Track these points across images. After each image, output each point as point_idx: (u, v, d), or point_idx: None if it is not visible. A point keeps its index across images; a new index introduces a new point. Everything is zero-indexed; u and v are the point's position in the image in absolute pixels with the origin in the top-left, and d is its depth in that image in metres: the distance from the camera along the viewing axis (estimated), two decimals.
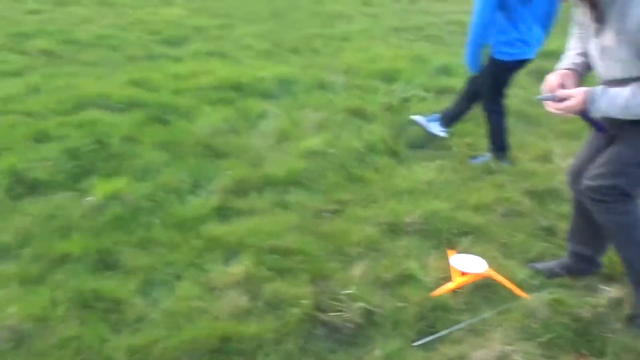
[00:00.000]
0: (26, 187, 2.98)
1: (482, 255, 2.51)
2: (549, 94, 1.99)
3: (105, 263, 2.50)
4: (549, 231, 2.87)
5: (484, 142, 3.68)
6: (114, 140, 3.44)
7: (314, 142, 3.66)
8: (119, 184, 2.99)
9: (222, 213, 2.92)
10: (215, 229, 2.74)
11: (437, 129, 3.85)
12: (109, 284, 2.33)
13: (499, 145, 3.58)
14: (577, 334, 2.10)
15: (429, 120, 3.90)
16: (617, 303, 2.22)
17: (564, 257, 2.51)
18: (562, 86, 2.03)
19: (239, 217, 2.89)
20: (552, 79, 2.06)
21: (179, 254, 2.56)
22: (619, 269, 2.38)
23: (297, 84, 4.79)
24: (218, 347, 2.01)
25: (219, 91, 4.49)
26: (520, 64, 3.39)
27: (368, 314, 2.17)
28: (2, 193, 2.89)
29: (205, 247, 2.60)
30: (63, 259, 2.49)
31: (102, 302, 2.23)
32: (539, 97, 2.04)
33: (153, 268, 2.46)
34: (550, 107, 1.99)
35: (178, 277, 2.42)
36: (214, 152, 3.52)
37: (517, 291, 2.32)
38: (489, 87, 3.52)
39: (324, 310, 2.18)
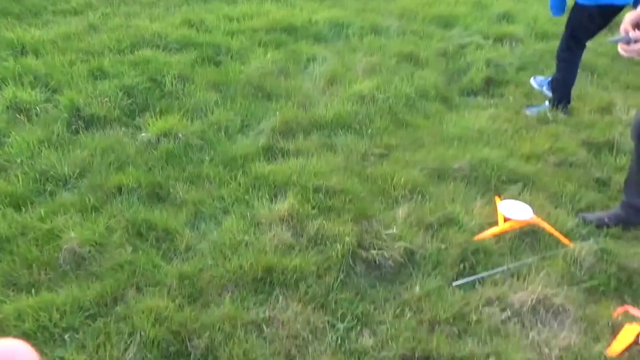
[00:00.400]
0: (84, 121, 3.11)
1: (530, 203, 2.46)
2: (623, 35, 1.87)
3: (158, 196, 2.61)
4: (602, 183, 2.78)
5: None
6: (168, 79, 3.52)
7: (364, 86, 3.62)
8: (171, 121, 3.08)
9: (270, 152, 2.97)
10: (262, 167, 2.79)
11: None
12: (160, 215, 2.44)
13: (562, 96, 3.40)
14: (622, 283, 2.06)
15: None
16: None
17: (615, 208, 2.43)
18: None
19: (286, 157, 2.93)
20: (628, 19, 1.92)
21: (227, 190, 2.64)
22: None
23: (350, 28, 4.69)
24: (262, 277, 2.09)
25: (272, 33, 4.47)
26: (604, 11, 3.09)
27: (409, 254, 2.19)
28: (62, 127, 3.03)
29: (252, 184, 2.67)
30: (118, 191, 2.61)
31: (154, 231, 2.35)
32: (612, 39, 1.92)
33: (202, 202, 2.55)
34: (622, 49, 1.87)
35: (225, 212, 2.50)
36: (263, 93, 3.55)
37: (563, 239, 2.28)
38: (569, 34, 3.27)
39: (365, 248, 2.22)
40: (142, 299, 1.95)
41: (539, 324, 1.90)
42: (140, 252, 2.22)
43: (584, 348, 1.78)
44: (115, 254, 2.20)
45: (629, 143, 2.38)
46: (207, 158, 2.88)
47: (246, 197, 2.58)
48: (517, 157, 2.95)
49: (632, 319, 1.87)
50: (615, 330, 1.84)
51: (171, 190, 2.63)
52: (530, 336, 1.84)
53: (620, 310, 1.92)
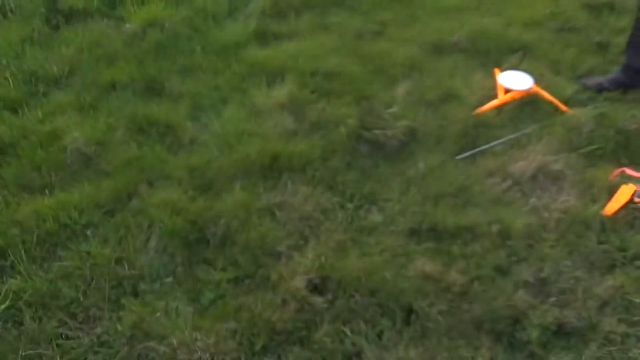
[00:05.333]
0: (63, 15, 2.96)
1: (530, 71, 2.44)
2: None
3: (153, 89, 2.56)
4: (602, 46, 2.74)
5: None
6: None
7: None
8: (154, 9, 2.94)
9: (262, 37, 2.88)
10: (256, 53, 2.72)
11: None
12: (159, 110, 2.41)
13: None
14: (620, 145, 2.12)
15: None
16: None
17: (615, 72, 2.43)
18: None
19: (279, 41, 2.84)
20: None
21: (223, 79, 2.59)
22: None
23: None
24: (269, 165, 2.12)
25: None
26: None
27: (411, 131, 2.22)
28: (42, 22, 2.89)
29: (248, 71, 2.62)
30: (112, 87, 2.56)
31: (155, 126, 2.34)
32: None
33: (199, 93, 2.52)
34: None
35: (224, 102, 2.48)
36: None
37: (562, 106, 2.30)
38: None
39: (368, 129, 2.24)
40: (155, 192, 2.00)
41: (539, 190, 1.98)
42: (145, 147, 2.23)
43: (581, 209, 1.88)
44: (120, 151, 2.21)
45: (630, 2, 2.31)
46: (198, 47, 2.79)
47: (243, 85, 2.55)
48: (517, 25, 2.88)
49: (628, 179, 1.94)
50: (612, 191, 1.92)
51: (166, 83, 2.58)
52: (530, 202, 1.93)
53: (617, 172, 1.99)
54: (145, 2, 3.05)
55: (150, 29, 2.87)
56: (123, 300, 1.68)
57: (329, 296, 1.66)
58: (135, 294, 1.71)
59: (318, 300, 1.65)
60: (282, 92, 2.44)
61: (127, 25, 2.90)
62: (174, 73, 2.63)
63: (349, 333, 1.58)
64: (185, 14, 2.96)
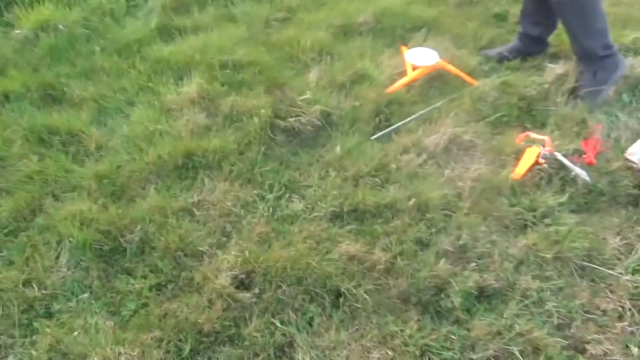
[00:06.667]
0: None
1: (435, 47, 2.50)
2: None
3: (52, 97, 2.41)
4: (501, 17, 2.86)
5: None
6: None
7: None
8: (45, 12, 2.75)
9: (165, 33, 2.77)
10: (160, 49, 2.62)
11: None
12: (60, 118, 2.27)
13: None
14: (523, 111, 2.22)
15: None
16: (561, 79, 2.31)
17: (513, 41, 2.53)
18: None
19: (184, 35, 2.75)
20: None
21: (128, 80, 2.47)
22: (566, 46, 2.43)
23: None
24: (183, 164, 2.05)
25: None
26: None
27: (326, 116, 2.21)
28: None
29: (153, 69, 2.51)
30: (5, 98, 2.39)
31: (57, 135, 2.20)
32: None
33: (103, 97, 2.39)
34: None
35: (131, 103, 2.37)
36: None
37: (468, 79, 2.37)
38: None
39: (282, 117, 2.21)
40: (62, 206, 1.88)
41: (452, 162, 2.04)
42: (47, 159, 2.09)
43: (492, 176, 1.95)
44: (20, 166, 2.06)
45: None
46: (97, 48, 2.65)
47: (150, 84, 2.44)
48: (418, 2, 2.94)
49: (532, 142, 2.04)
50: (518, 155, 2.01)
51: (65, 89, 2.43)
52: (445, 174, 1.98)
53: (522, 136, 2.08)
54: (35, 5, 2.85)
55: (43, 32, 2.69)
56: (36, 324, 1.58)
57: (256, 290, 1.63)
58: (49, 315, 1.61)
59: (245, 295, 1.62)
60: (191, 87, 2.36)
61: (17, 31, 2.70)
62: (73, 78, 2.48)
63: (279, 324, 1.56)
64: (80, 14, 2.79)
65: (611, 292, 1.63)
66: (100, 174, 2.01)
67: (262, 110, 2.22)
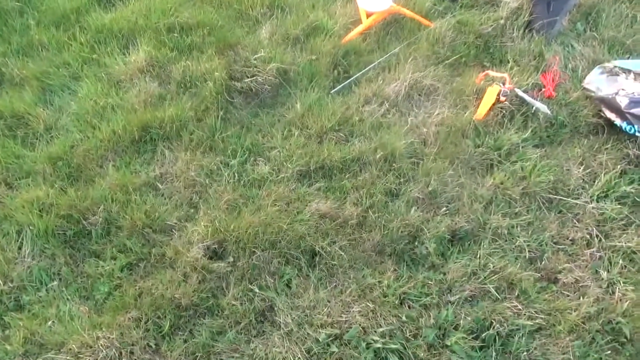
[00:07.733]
0: None
1: None
2: None
3: None
4: None
5: None
6: None
7: None
8: None
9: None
10: (101, 17, 2.46)
11: None
12: (2, 100, 2.14)
13: None
14: (480, 49, 2.20)
15: None
16: (516, 12, 2.29)
17: None
18: None
19: (124, 0, 2.59)
20: None
21: (70, 54, 2.33)
22: None
23: None
24: (140, 137, 1.97)
25: None
26: None
27: (282, 73, 2.15)
28: None
29: (96, 39, 2.37)
30: None
31: (1, 120, 2.08)
32: None
33: (45, 74, 2.26)
34: None
35: (76, 78, 2.25)
36: None
37: (423, 21, 2.33)
38: None
39: (238, 79, 2.13)
40: (17, 194, 1.80)
41: (415, 108, 2.02)
42: None
43: (455, 118, 1.94)
44: None
45: None
46: (32, 22, 2.47)
47: (94, 56, 2.31)
48: None
49: (492, 80, 2.03)
50: (479, 95, 2.00)
51: (3, 69, 2.28)
52: (409, 122, 1.96)
53: (481, 75, 2.07)
54: None
55: None
56: (6, 318, 1.53)
57: (230, 259, 1.61)
58: (20, 307, 1.56)
59: (219, 265, 1.60)
60: (139, 55, 2.25)
61: None
62: (9, 56, 2.32)
63: (257, 290, 1.55)
64: None
65: (578, 221, 1.67)
66: (53, 157, 1.92)
67: (216, 73, 2.13)
